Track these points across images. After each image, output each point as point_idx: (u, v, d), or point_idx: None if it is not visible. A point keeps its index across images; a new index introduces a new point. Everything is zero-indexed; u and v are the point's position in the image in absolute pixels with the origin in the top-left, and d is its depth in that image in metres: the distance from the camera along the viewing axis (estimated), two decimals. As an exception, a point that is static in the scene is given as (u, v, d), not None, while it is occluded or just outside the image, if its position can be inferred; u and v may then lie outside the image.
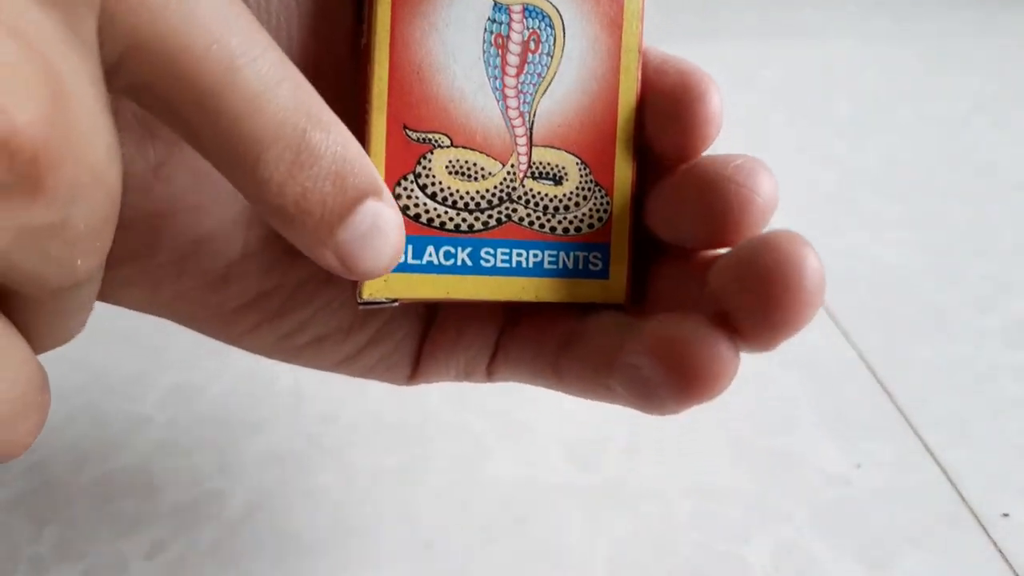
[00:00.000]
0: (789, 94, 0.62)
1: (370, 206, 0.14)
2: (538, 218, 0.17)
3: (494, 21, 0.17)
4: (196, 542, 0.24)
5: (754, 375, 0.31)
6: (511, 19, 0.17)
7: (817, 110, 0.59)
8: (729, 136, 0.58)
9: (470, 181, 0.17)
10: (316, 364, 0.20)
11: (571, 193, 0.17)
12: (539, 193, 0.17)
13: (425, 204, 0.17)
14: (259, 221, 0.17)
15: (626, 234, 0.18)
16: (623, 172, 0.18)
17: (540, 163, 0.17)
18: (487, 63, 0.17)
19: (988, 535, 0.24)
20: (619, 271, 0.18)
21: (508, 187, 0.17)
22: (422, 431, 0.28)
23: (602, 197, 0.18)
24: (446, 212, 0.17)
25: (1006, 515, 0.25)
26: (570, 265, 0.18)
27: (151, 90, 0.12)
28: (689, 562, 0.23)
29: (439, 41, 0.16)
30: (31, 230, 0.10)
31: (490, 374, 0.20)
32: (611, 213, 0.18)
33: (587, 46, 0.17)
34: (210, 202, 0.16)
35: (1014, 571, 0.23)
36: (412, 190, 0.17)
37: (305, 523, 0.25)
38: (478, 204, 0.17)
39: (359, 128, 0.16)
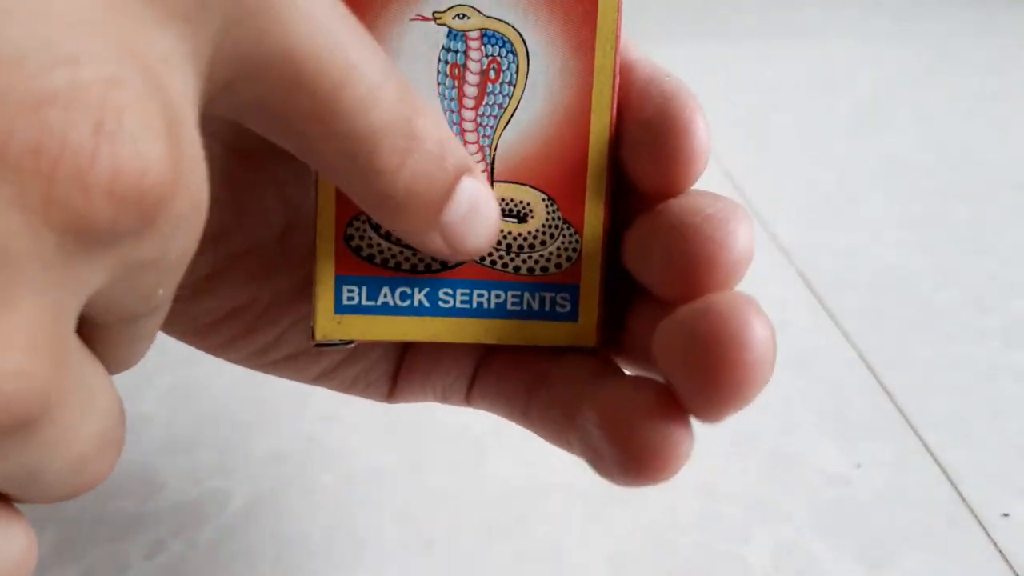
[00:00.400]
0: (789, 94, 0.62)
1: (467, 184, 0.14)
2: (500, 257, 0.16)
3: (449, 50, 0.15)
4: (196, 542, 0.24)
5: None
6: (468, 47, 0.15)
7: (817, 110, 0.59)
8: (729, 136, 0.58)
9: None
10: (294, 378, 0.20)
11: (536, 231, 0.16)
12: (501, 231, 0.16)
13: (379, 244, 0.16)
14: (227, 239, 0.17)
15: (597, 274, 0.17)
16: (594, 209, 0.16)
17: (503, 199, 0.16)
18: (442, 95, 0.16)
19: (988, 535, 0.24)
20: (589, 314, 0.17)
21: None
22: (422, 431, 0.28)
23: (571, 235, 0.16)
24: (401, 252, 0.16)
25: (1006, 515, 0.25)
26: (535, 307, 0.17)
27: (263, 106, 0.12)
28: (689, 562, 0.23)
29: None
30: (134, 264, 0.10)
31: (468, 401, 0.19)
32: (581, 252, 0.16)
33: (554, 72, 0.16)
34: None
35: (1014, 571, 0.23)
36: (364, 230, 0.16)
37: (305, 523, 0.25)
38: None
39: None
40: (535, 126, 0.16)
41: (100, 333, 0.11)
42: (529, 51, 0.16)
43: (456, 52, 0.15)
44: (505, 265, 0.16)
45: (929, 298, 0.36)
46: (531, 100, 0.16)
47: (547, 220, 0.16)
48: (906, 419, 0.29)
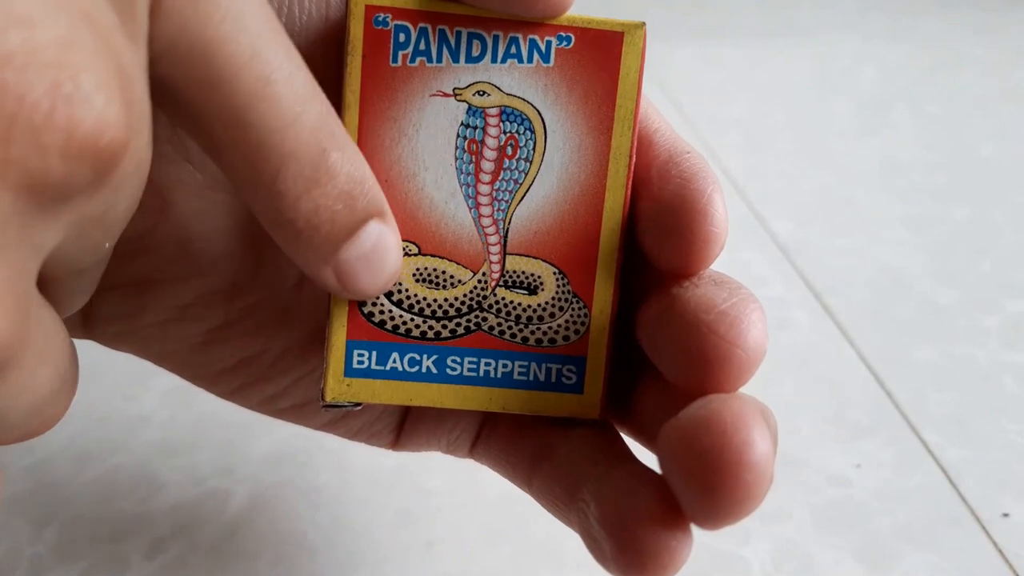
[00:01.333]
0: (789, 94, 0.62)
1: (374, 227, 0.14)
2: (509, 328, 0.17)
3: (468, 126, 0.16)
4: (196, 542, 0.24)
5: (754, 375, 0.31)
6: (487, 123, 0.16)
7: (817, 110, 0.59)
8: (729, 136, 0.58)
9: (438, 289, 0.16)
10: (301, 424, 0.20)
11: (546, 303, 0.17)
12: (512, 302, 0.17)
13: (391, 311, 0.16)
14: (242, 292, 0.17)
15: (604, 348, 0.17)
16: (604, 284, 0.17)
17: (514, 272, 0.17)
18: (459, 170, 0.16)
19: (988, 535, 0.24)
20: (594, 386, 0.17)
21: (479, 295, 0.17)
22: (422, 431, 0.28)
23: (580, 309, 0.17)
24: (412, 320, 0.16)
25: (1006, 515, 0.25)
26: (542, 377, 0.17)
27: (182, 93, 0.12)
28: (689, 562, 0.23)
29: (409, 148, 0.16)
30: (86, 221, 0.11)
31: (471, 455, 0.20)
32: (589, 326, 0.17)
33: (570, 151, 0.16)
34: (194, 273, 0.17)
35: (1014, 571, 0.23)
36: (378, 298, 0.16)
37: (305, 523, 0.25)
38: (446, 312, 0.17)
39: None
40: (550, 201, 0.16)
41: (51, 285, 0.12)
42: (547, 129, 0.16)
43: (475, 128, 0.16)
44: (514, 335, 0.17)
45: (929, 298, 0.36)
46: (546, 176, 0.16)
47: (557, 293, 0.17)
48: (906, 419, 0.29)
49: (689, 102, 0.63)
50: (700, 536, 0.24)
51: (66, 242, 0.11)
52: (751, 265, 0.39)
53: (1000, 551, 0.24)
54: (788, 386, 0.31)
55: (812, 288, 0.37)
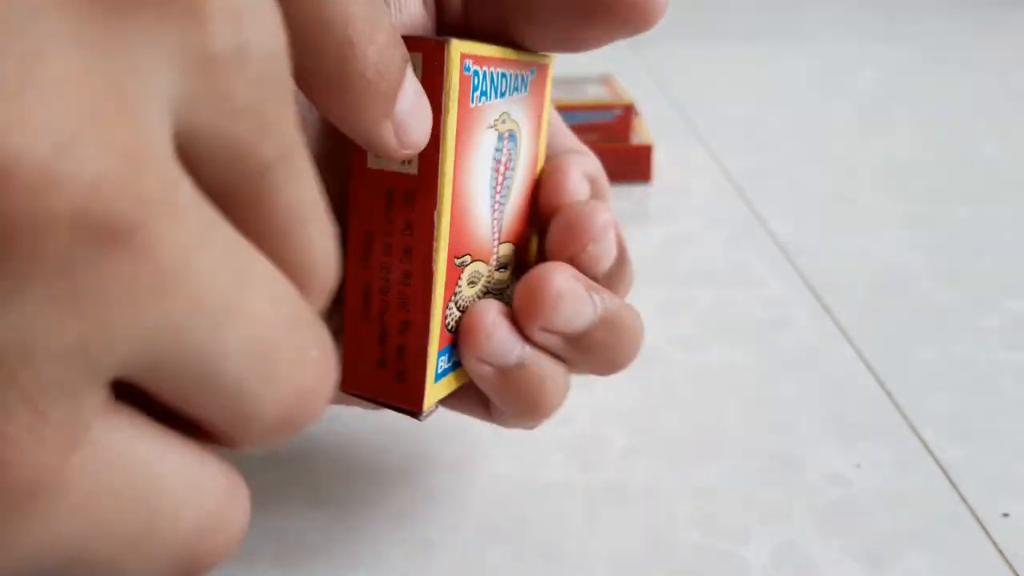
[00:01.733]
0: (789, 94, 0.62)
1: (410, 75, 0.15)
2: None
3: (497, 150, 0.19)
4: (196, 542, 0.24)
5: (754, 375, 0.31)
6: (504, 145, 0.19)
7: (817, 110, 0.59)
8: (729, 136, 0.58)
9: (473, 287, 0.19)
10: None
11: (511, 275, 0.21)
12: (499, 281, 0.20)
13: (456, 316, 0.19)
14: None
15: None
16: (533, 244, 0.21)
17: (500, 256, 0.20)
18: (489, 186, 0.19)
19: (988, 535, 0.24)
20: None
21: (487, 283, 0.20)
22: (422, 431, 0.28)
23: (525, 269, 0.20)
24: (459, 317, 0.19)
25: (1006, 515, 0.25)
26: None
27: None
28: (689, 562, 0.23)
29: (477, 174, 0.18)
30: (204, 62, 0.09)
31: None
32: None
33: (528, 153, 0.20)
34: None
35: (1014, 571, 0.23)
36: (451, 308, 0.18)
37: (305, 523, 0.25)
38: (470, 303, 0.19)
39: (419, 259, 0.17)
40: (516, 197, 0.20)
41: (233, 198, 0.10)
42: (522, 141, 0.20)
43: (499, 151, 0.19)
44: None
45: (929, 298, 0.36)
46: (518, 178, 0.20)
47: (515, 264, 0.21)
48: (906, 419, 0.29)
49: (690, 102, 0.63)
50: (700, 536, 0.24)
51: (194, 98, 0.10)
52: (751, 265, 0.39)
53: (1000, 551, 0.24)
54: (788, 386, 0.31)
55: (812, 288, 0.37)
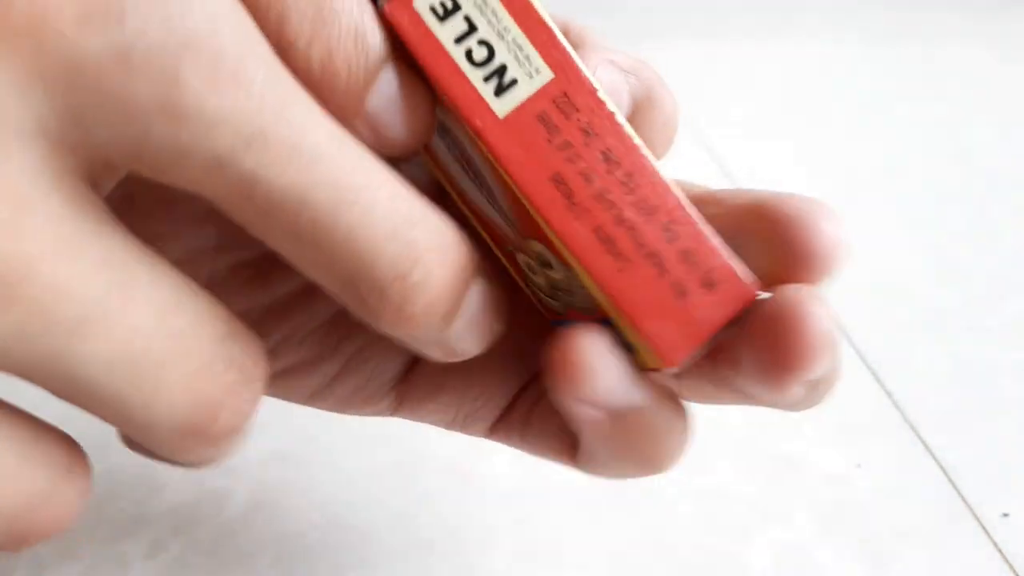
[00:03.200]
0: (789, 94, 0.62)
1: (389, 71, 0.13)
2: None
3: None
4: (196, 542, 0.24)
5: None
6: None
7: (817, 110, 0.59)
8: (729, 136, 0.58)
9: (535, 274, 0.17)
10: (284, 396, 0.19)
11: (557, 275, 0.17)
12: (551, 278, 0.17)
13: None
14: (224, 252, 0.17)
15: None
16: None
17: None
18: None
19: (988, 535, 0.24)
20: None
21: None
22: (422, 431, 0.28)
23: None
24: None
25: (1006, 515, 0.25)
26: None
27: None
28: (689, 562, 0.23)
29: None
30: (77, 73, 0.09)
31: (493, 433, 0.19)
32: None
33: None
34: (177, 231, 0.16)
35: (1014, 571, 0.23)
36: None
37: (305, 523, 0.25)
38: (541, 295, 0.17)
39: None
40: None
41: (220, 201, 0.11)
42: None
43: None
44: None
45: (929, 298, 0.36)
46: None
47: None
48: (906, 419, 0.29)
49: (689, 102, 0.63)
50: (700, 536, 0.24)
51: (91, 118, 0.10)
52: (751, 265, 0.39)
53: (1000, 551, 0.24)
54: (788, 386, 0.31)
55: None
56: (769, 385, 0.14)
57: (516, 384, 0.18)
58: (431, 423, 0.19)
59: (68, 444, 0.11)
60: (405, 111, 0.13)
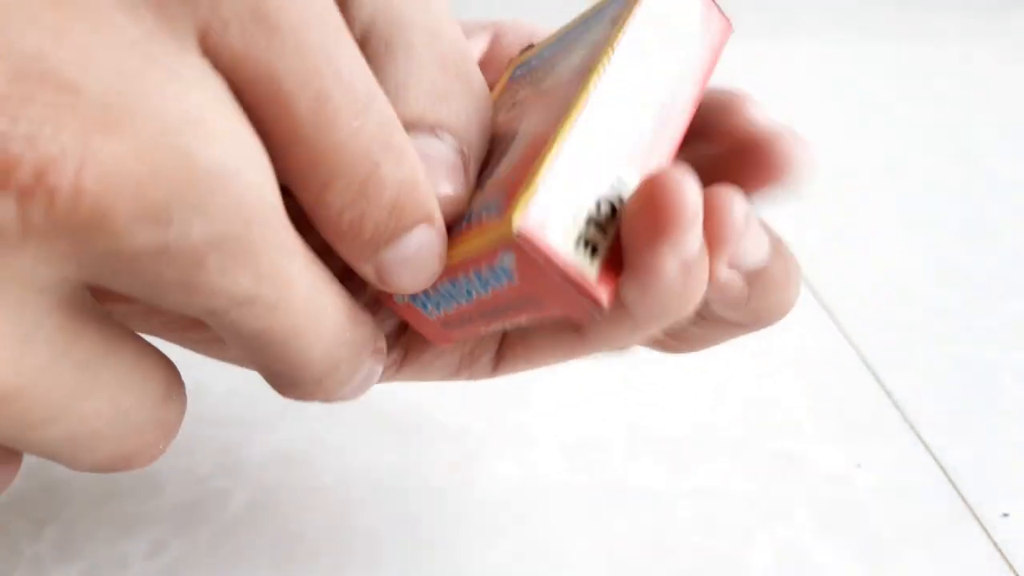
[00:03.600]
0: (789, 94, 0.62)
1: (420, 232, 0.13)
2: None
3: None
4: (196, 542, 0.24)
5: (754, 375, 0.31)
6: None
7: (817, 110, 0.59)
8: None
9: None
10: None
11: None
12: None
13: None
14: None
15: None
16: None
17: None
18: None
19: (988, 535, 0.24)
20: None
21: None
22: (422, 431, 0.28)
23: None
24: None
25: (1006, 515, 0.25)
26: None
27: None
28: (689, 562, 0.23)
29: None
30: (115, 257, 0.10)
31: (497, 368, 0.19)
32: None
33: None
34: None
35: (1014, 571, 0.23)
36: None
37: (306, 523, 0.25)
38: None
39: None
40: None
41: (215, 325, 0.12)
42: None
43: None
44: None
45: (929, 298, 0.36)
46: None
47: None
48: (906, 419, 0.29)
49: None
50: (700, 536, 0.24)
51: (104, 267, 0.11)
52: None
53: (1000, 551, 0.24)
54: (788, 386, 0.31)
55: (812, 288, 0.37)
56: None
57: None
58: (438, 379, 0.20)
59: (167, 368, 0.12)
60: (417, 268, 0.14)
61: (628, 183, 0.13)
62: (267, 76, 0.11)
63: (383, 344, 0.15)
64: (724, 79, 0.65)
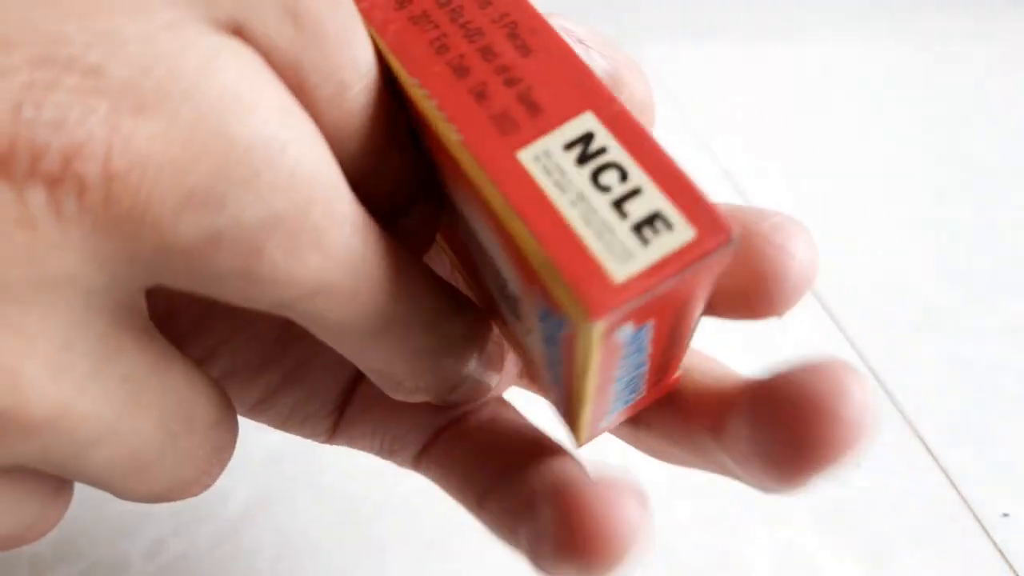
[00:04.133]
0: (789, 94, 0.62)
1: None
2: None
3: None
4: (196, 542, 0.24)
5: (754, 375, 0.31)
6: None
7: (817, 110, 0.59)
8: (728, 136, 0.58)
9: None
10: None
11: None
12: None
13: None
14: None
15: None
16: None
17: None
18: None
19: (988, 535, 0.24)
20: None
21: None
22: (422, 431, 0.28)
23: None
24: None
25: (1006, 515, 0.25)
26: None
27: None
28: (689, 562, 0.23)
29: None
30: (167, 252, 0.10)
31: (417, 464, 0.18)
32: None
33: None
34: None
35: (1014, 571, 0.23)
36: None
37: (306, 522, 0.25)
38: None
39: None
40: None
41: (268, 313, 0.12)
42: None
43: None
44: None
45: (929, 298, 0.36)
46: None
47: None
48: (906, 419, 0.29)
49: (689, 102, 0.63)
50: (700, 536, 0.24)
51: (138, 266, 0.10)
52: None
53: (1000, 551, 0.24)
54: (788, 386, 0.31)
55: (812, 288, 0.37)
56: (779, 478, 0.12)
57: (440, 421, 0.18)
58: (361, 449, 0.19)
59: (218, 392, 0.12)
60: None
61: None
62: (294, 67, 0.11)
63: (499, 340, 0.14)
64: (725, 80, 0.65)
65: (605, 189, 0.10)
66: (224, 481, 0.26)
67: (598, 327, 0.10)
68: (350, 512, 0.25)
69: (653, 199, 0.10)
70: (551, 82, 0.11)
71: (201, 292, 0.10)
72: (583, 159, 0.10)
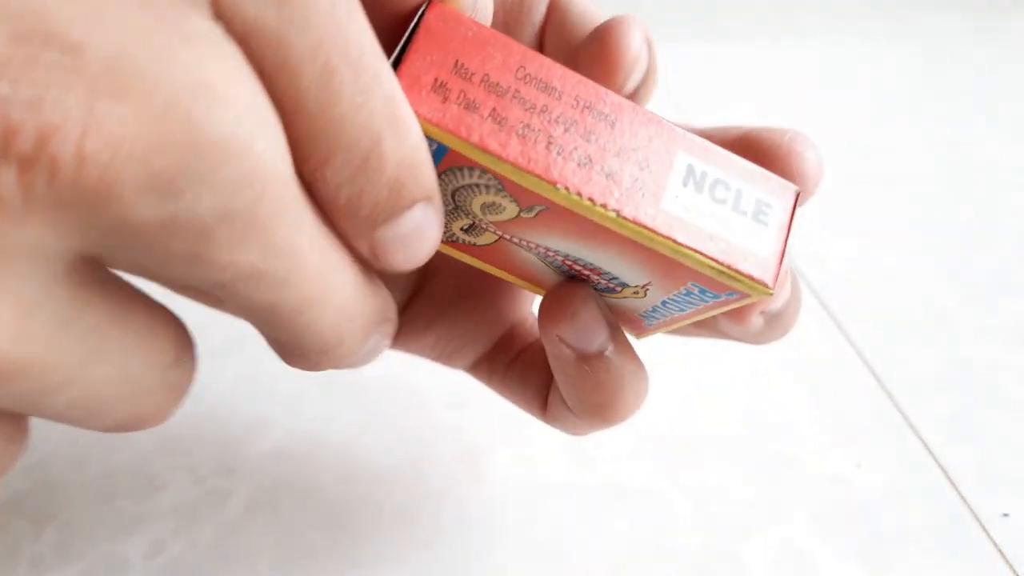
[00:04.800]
0: (789, 94, 0.62)
1: (418, 211, 0.13)
2: None
3: None
4: (196, 542, 0.24)
5: (754, 375, 0.31)
6: None
7: (817, 110, 0.59)
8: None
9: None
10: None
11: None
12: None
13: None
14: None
15: None
16: None
17: None
18: None
19: (988, 535, 0.24)
20: None
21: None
22: (422, 431, 0.28)
23: None
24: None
25: (1006, 515, 0.25)
26: None
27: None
28: (689, 562, 0.23)
29: None
30: (122, 233, 0.10)
31: (472, 369, 0.21)
32: None
33: None
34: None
35: (1014, 571, 0.23)
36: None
37: (305, 523, 0.25)
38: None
39: None
40: None
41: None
42: None
43: None
44: None
45: (930, 298, 0.36)
46: None
47: None
48: (906, 419, 0.29)
49: (689, 102, 0.63)
50: (700, 535, 0.24)
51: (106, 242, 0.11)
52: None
53: (1000, 551, 0.24)
54: (788, 386, 0.31)
55: (812, 288, 0.37)
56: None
57: (499, 329, 0.20)
58: (418, 355, 0.21)
59: (177, 333, 0.12)
60: (412, 247, 0.14)
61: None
62: (276, 46, 0.11)
63: (394, 315, 0.15)
64: (725, 81, 0.65)
65: (722, 201, 0.14)
66: (223, 482, 0.26)
67: (770, 289, 0.14)
68: (348, 513, 0.25)
69: (752, 193, 0.14)
70: (640, 140, 0.14)
71: (142, 268, 0.11)
72: (698, 187, 0.14)
